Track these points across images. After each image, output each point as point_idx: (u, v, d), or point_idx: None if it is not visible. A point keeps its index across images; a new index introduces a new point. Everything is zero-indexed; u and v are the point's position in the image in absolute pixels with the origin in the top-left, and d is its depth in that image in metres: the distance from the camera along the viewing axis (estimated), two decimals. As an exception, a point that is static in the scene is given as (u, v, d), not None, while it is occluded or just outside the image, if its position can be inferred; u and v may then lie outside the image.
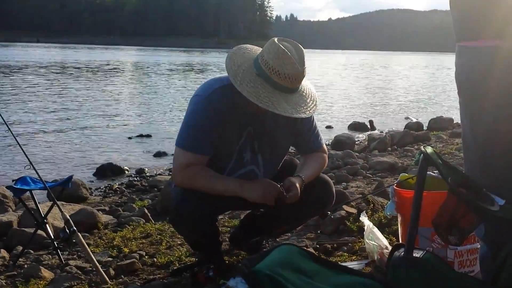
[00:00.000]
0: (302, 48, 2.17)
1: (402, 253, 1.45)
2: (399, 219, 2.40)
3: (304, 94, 2.21)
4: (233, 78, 2.12)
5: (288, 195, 2.23)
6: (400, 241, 2.37)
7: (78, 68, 28.27)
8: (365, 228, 2.61)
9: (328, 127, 11.28)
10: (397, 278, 1.40)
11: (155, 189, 5.70)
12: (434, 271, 1.41)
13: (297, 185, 2.28)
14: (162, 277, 2.51)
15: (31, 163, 3.01)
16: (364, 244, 2.65)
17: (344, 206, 3.29)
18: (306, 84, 2.27)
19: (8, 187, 3.45)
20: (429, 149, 1.59)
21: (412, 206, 1.51)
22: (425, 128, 10.24)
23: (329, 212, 3.20)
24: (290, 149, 2.67)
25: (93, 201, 5.23)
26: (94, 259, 2.61)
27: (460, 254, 2.17)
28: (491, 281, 1.48)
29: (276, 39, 2.16)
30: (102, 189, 6.12)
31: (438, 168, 1.54)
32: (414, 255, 1.44)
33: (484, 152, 1.66)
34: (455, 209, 1.43)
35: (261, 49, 2.23)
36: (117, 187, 6.09)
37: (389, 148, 7.63)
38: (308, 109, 2.19)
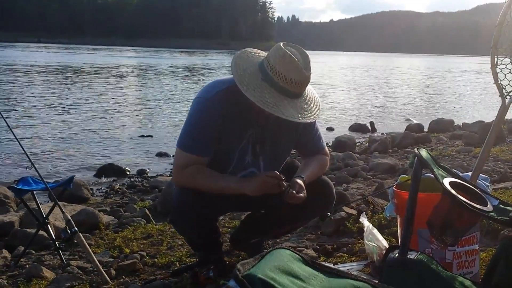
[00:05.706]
0: (307, 53, 2.18)
1: (397, 255, 1.46)
2: (399, 220, 2.41)
3: (308, 98, 2.22)
4: (239, 83, 2.11)
5: (297, 195, 2.23)
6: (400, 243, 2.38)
7: (80, 69, 28.31)
8: (365, 229, 2.62)
9: (329, 128, 11.29)
10: (391, 279, 1.41)
11: (156, 189, 5.72)
12: (428, 272, 1.42)
13: (304, 186, 2.28)
14: (163, 277, 2.52)
15: (32, 163, 3.03)
16: (364, 245, 2.66)
17: (344, 207, 3.30)
18: (309, 88, 2.28)
19: (9, 188, 3.48)
20: (423, 151, 1.60)
21: (407, 207, 1.52)
22: (425, 130, 10.24)
23: (329, 213, 3.21)
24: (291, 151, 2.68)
25: (94, 202, 5.25)
26: (95, 260, 2.62)
27: (459, 256, 2.18)
28: (483, 281, 1.49)
29: (282, 44, 2.17)
30: (104, 189, 6.14)
31: (431, 170, 1.55)
32: (408, 256, 1.45)
33: None
34: (449, 210, 1.44)
35: (265, 53, 2.24)
36: (118, 188, 6.11)
37: (390, 150, 7.65)
38: (312, 113, 2.20)
